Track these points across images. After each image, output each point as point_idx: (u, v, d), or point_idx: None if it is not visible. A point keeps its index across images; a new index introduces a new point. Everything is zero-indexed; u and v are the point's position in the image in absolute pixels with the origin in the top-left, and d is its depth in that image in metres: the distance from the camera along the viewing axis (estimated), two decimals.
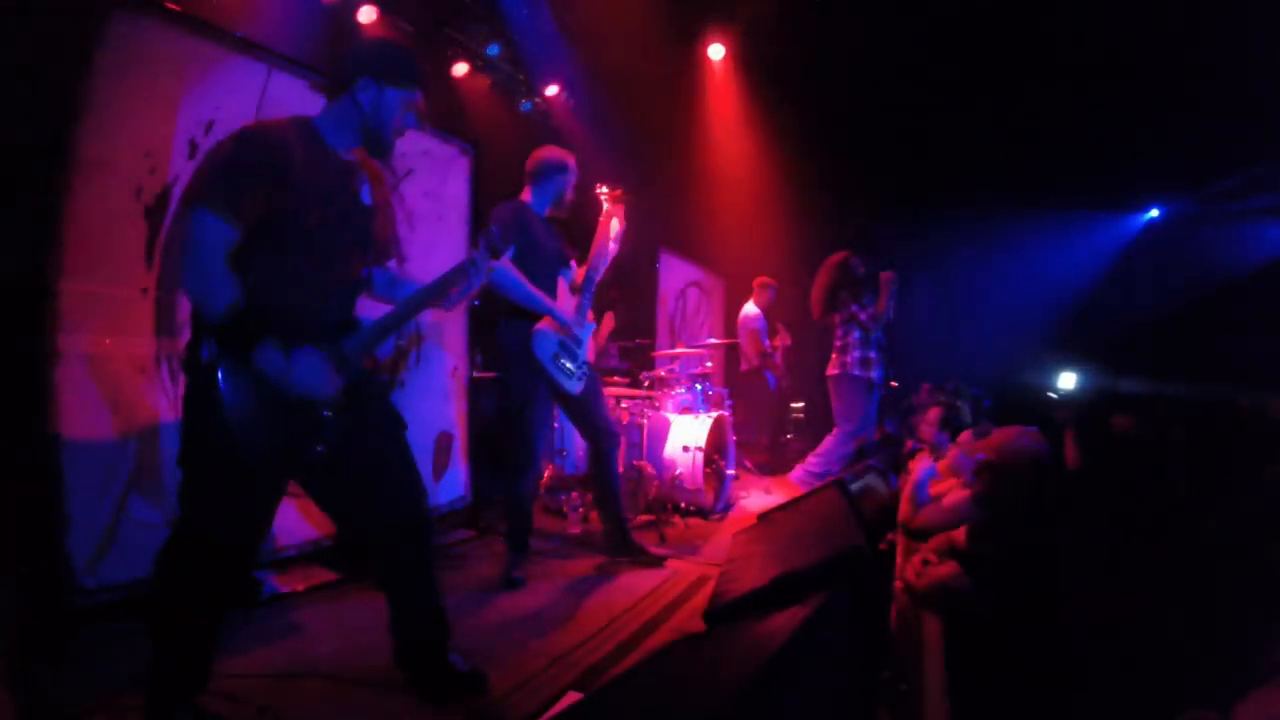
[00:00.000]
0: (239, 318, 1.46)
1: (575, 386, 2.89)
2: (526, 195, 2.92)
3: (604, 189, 2.91)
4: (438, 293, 1.77)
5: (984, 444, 2.28)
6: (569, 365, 2.86)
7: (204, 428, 1.52)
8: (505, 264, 2.61)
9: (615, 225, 2.88)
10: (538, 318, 2.82)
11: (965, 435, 3.06)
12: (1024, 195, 6.84)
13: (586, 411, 3.00)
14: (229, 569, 1.65)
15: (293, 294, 1.59)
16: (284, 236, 1.56)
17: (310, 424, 1.58)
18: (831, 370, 4.58)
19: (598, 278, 2.91)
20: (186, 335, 1.61)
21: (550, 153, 2.92)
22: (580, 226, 3.16)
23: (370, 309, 1.82)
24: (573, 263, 3.02)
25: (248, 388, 1.48)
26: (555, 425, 3.95)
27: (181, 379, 1.75)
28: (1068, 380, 3.98)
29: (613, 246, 2.89)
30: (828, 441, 4.56)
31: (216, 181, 1.51)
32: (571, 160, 2.93)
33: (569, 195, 2.94)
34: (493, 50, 4.98)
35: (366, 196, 1.76)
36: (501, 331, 2.87)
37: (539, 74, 5.46)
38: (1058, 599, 1.94)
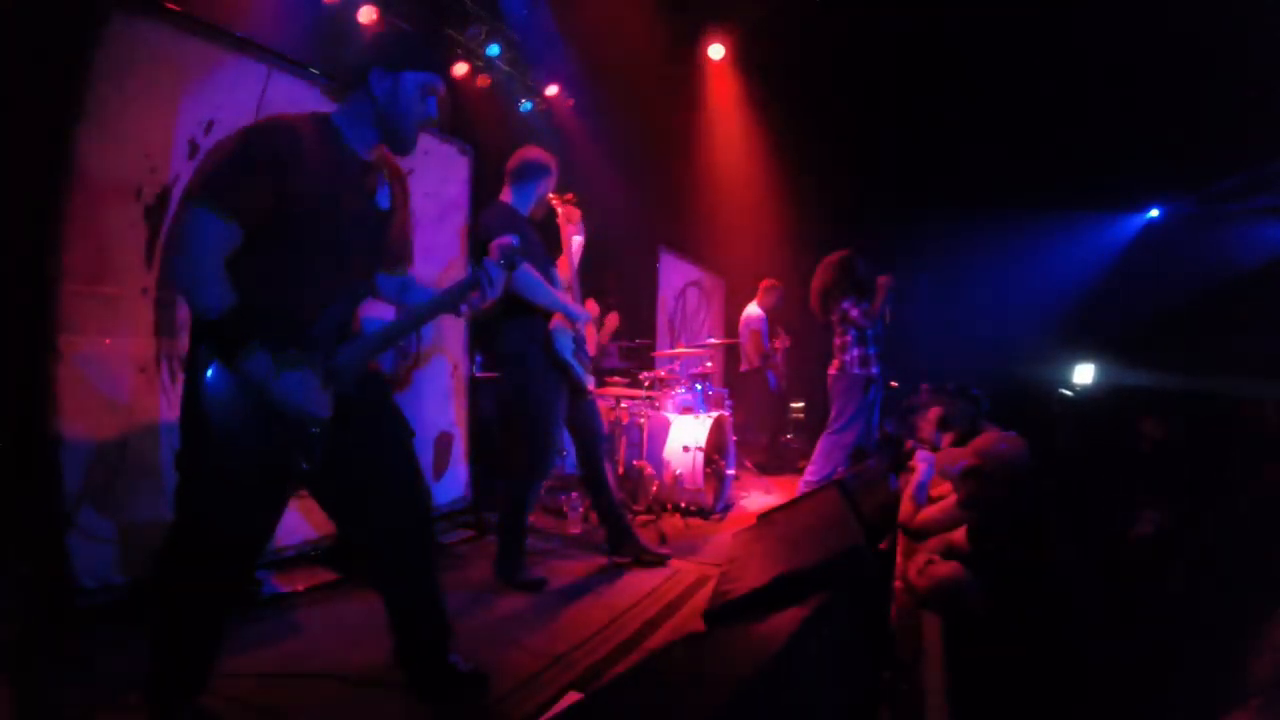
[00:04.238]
0: (230, 318, 1.42)
1: (590, 380, 2.94)
2: (507, 196, 2.88)
3: (554, 198, 2.99)
4: (448, 305, 1.73)
5: (966, 450, 2.29)
6: (583, 359, 2.90)
7: (196, 429, 1.50)
8: (525, 266, 2.64)
9: (571, 223, 3.01)
10: (547, 317, 2.80)
11: (948, 439, 3.06)
12: (1024, 195, 6.84)
13: (587, 411, 3.01)
14: (229, 570, 1.63)
15: (293, 296, 1.55)
16: (289, 237, 1.52)
17: (298, 437, 1.53)
18: (831, 369, 4.59)
19: (576, 271, 3.01)
20: (187, 335, 1.60)
21: (534, 153, 2.90)
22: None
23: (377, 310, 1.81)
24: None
25: (234, 392, 1.45)
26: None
27: (181, 379, 1.75)
28: (1084, 373, 3.91)
29: (580, 239, 3.01)
30: (819, 448, 4.54)
31: (218, 178, 1.45)
32: (554, 163, 2.93)
33: (548, 197, 2.95)
34: (492, 50, 4.99)
35: (384, 199, 1.72)
36: (510, 335, 2.82)
37: (539, 74, 5.46)
38: (1058, 598, 1.94)
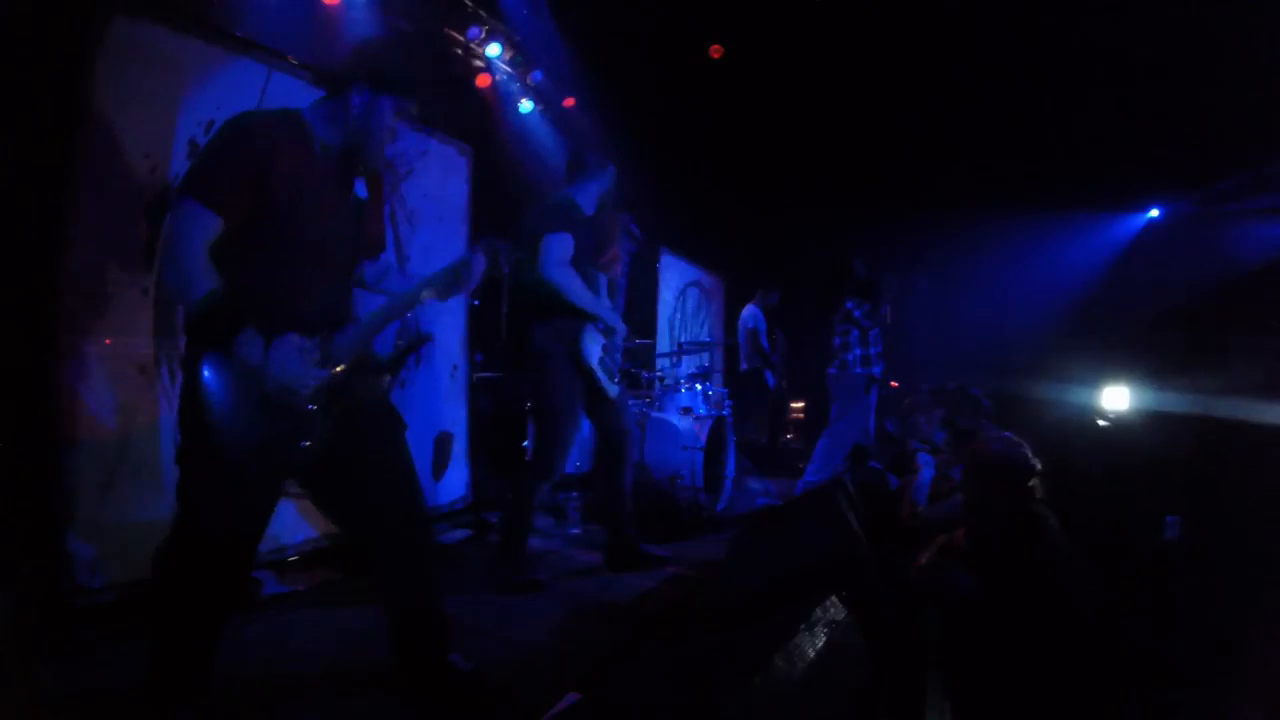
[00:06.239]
0: (217, 308, 1.45)
1: (615, 389, 2.89)
2: (569, 189, 2.87)
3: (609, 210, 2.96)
4: (432, 289, 1.75)
5: (964, 454, 2.30)
6: (610, 367, 2.86)
7: (196, 423, 1.51)
8: (567, 267, 2.61)
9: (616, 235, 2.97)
10: (578, 320, 2.75)
11: (948, 440, 3.07)
12: (1024, 195, 6.84)
13: (616, 414, 2.97)
14: (227, 567, 1.63)
15: (281, 288, 1.58)
16: (272, 230, 1.55)
17: (296, 419, 1.56)
18: (831, 369, 4.59)
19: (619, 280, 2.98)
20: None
21: (598, 155, 2.93)
22: None
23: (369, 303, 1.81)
24: None
25: (230, 380, 1.47)
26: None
27: (180, 378, 1.75)
28: (1117, 397, 3.71)
29: (622, 249, 2.98)
30: (819, 448, 4.55)
31: (201, 171, 1.52)
32: (608, 164, 2.93)
33: (609, 199, 2.92)
34: (493, 50, 4.98)
35: (361, 188, 1.75)
36: (537, 334, 2.77)
37: (540, 74, 5.45)
38: (1057, 598, 1.95)
